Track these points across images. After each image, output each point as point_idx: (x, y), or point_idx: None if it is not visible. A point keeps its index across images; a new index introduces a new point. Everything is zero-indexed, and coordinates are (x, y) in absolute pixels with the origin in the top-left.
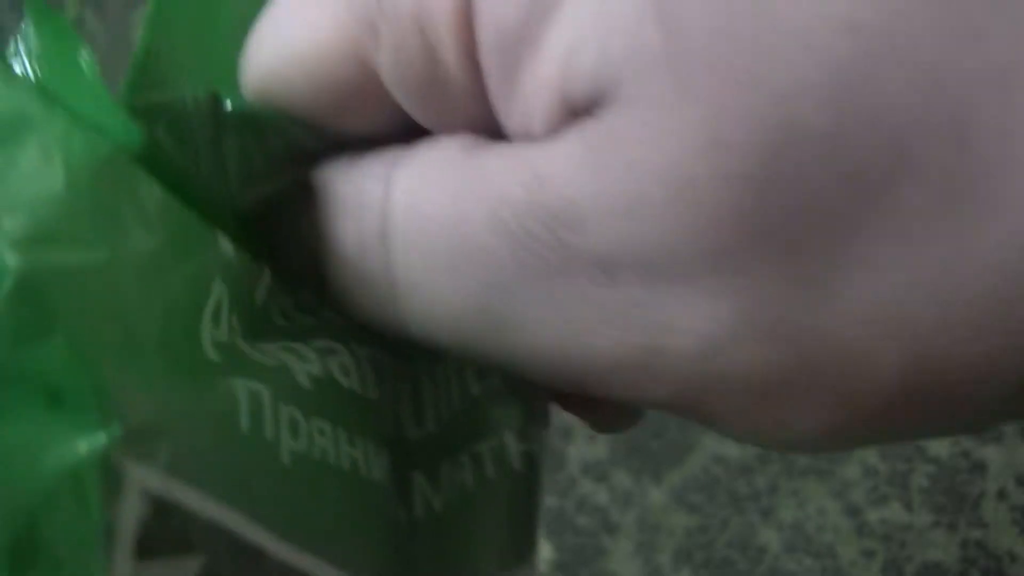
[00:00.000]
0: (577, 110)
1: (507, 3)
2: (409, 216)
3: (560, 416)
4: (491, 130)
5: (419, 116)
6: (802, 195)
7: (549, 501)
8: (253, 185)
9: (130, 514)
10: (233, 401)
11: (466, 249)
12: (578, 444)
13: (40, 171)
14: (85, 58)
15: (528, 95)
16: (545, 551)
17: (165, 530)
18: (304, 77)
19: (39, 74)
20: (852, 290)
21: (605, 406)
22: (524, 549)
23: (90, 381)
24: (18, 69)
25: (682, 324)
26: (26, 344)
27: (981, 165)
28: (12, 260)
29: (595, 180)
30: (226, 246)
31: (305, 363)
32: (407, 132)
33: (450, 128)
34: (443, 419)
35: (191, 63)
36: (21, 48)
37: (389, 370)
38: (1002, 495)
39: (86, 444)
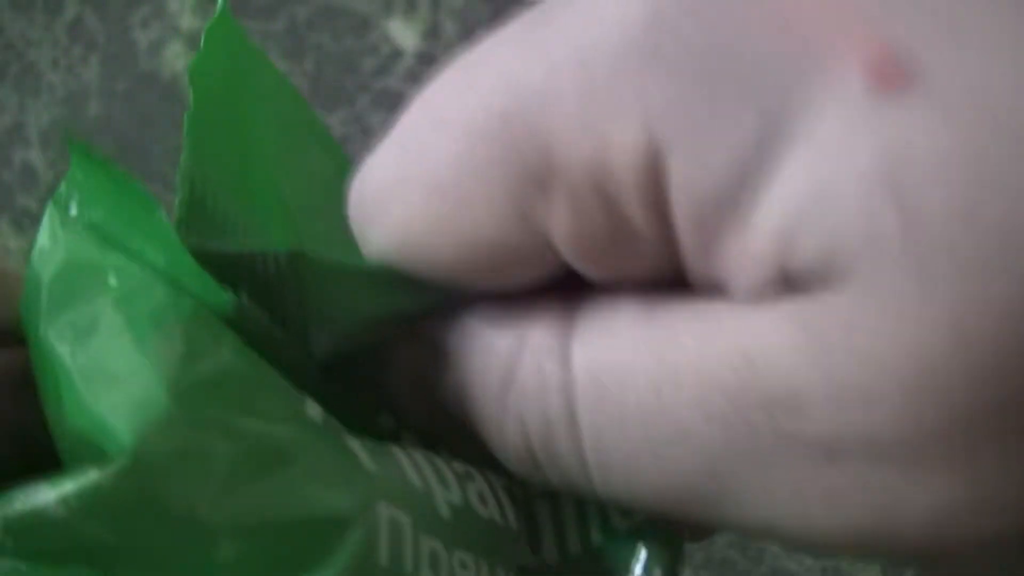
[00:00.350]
0: (792, 285)
1: (705, 172)
2: (600, 399)
3: None
4: (670, 276)
5: (590, 270)
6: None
7: None
8: (341, 343)
9: None
10: (374, 531)
11: (670, 434)
12: None
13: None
14: (162, 219)
15: (731, 260)
16: None
17: None
18: (454, 240)
19: (108, 230)
20: None
21: None
22: None
23: None
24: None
25: (912, 498)
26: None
27: None
28: (128, 439)
29: (818, 367)
30: (313, 411)
31: (446, 489)
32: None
33: (622, 277)
34: (567, 551)
35: (235, 205)
36: (73, 198)
37: (519, 496)
38: None
39: None
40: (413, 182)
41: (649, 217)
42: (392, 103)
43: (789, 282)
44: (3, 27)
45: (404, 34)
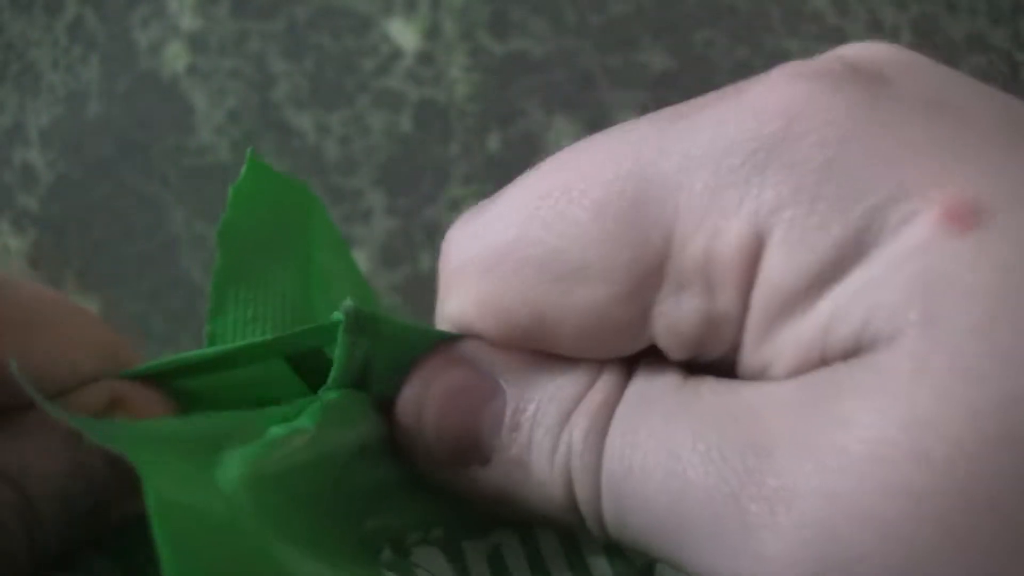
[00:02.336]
0: (828, 362)
1: (791, 265)
2: (623, 480)
3: None
4: (728, 362)
5: (673, 348)
6: (1013, 498)
7: None
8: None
9: None
10: None
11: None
12: None
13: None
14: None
15: (781, 344)
16: None
17: None
18: (567, 311)
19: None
20: None
21: None
22: None
23: None
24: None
25: None
26: None
27: None
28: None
29: (796, 421)
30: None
31: None
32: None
33: (696, 357)
34: None
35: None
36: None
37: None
38: None
39: None
40: (535, 247)
41: (737, 301)
42: (392, 103)
43: (824, 363)
44: (3, 27)
45: (404, 34)
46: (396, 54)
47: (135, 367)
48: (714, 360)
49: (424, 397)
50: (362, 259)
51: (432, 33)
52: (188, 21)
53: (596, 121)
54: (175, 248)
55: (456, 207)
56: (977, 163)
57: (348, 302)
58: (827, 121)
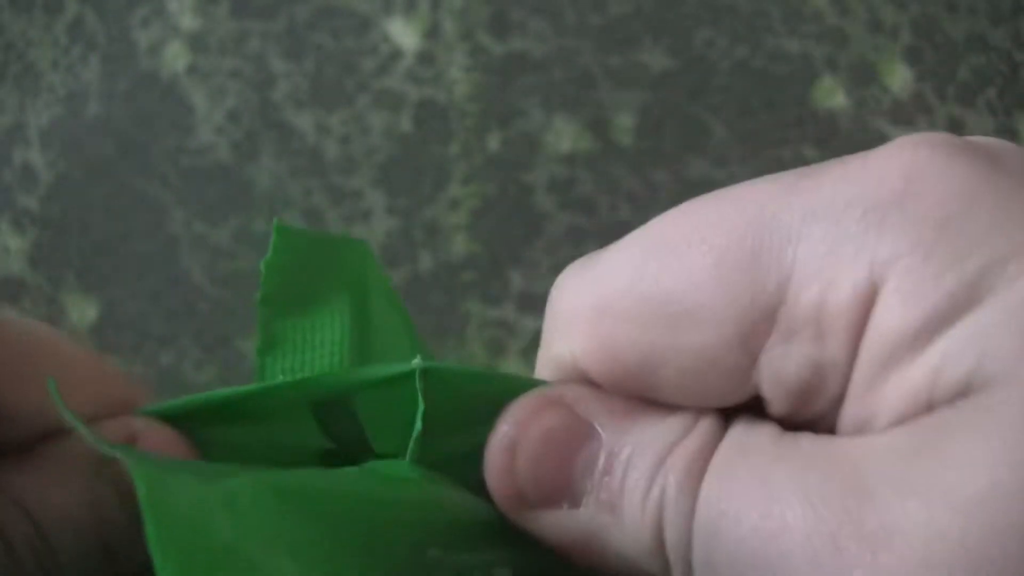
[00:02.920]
0: (935, 408)
1: (907, 315)
2: (713, 535)
3: None
4: (828, 422)
5: (778, 400)
6: None
7: None
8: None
9: None
10: None
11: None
12: None
13: None
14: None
15: (887, 392)
16: None
17: None
18: (674, 356)
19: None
20: None
21: None
22: None
23: None
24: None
25: None
26: None
27: None
28: None
29: (910, 469)
30: None
31: None
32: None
33: (797, 414)
34: None
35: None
36: None
37: None
38: None
39: None
40: (651, 289)
41: (847, 347)
42: (392, 103)
43: (930, 409)
44: (3, 27)
45: (404, 34)
46: (396, 54)
47: (148, 406)
48: (816, 417)
49: (520, 437)
50: None
51: (432, 33)
52: (188, 21)
53: (596, 121)
54: (175, 248)
55: (456, 207)
56: None
57: (418, 360)
58: (946, 182)
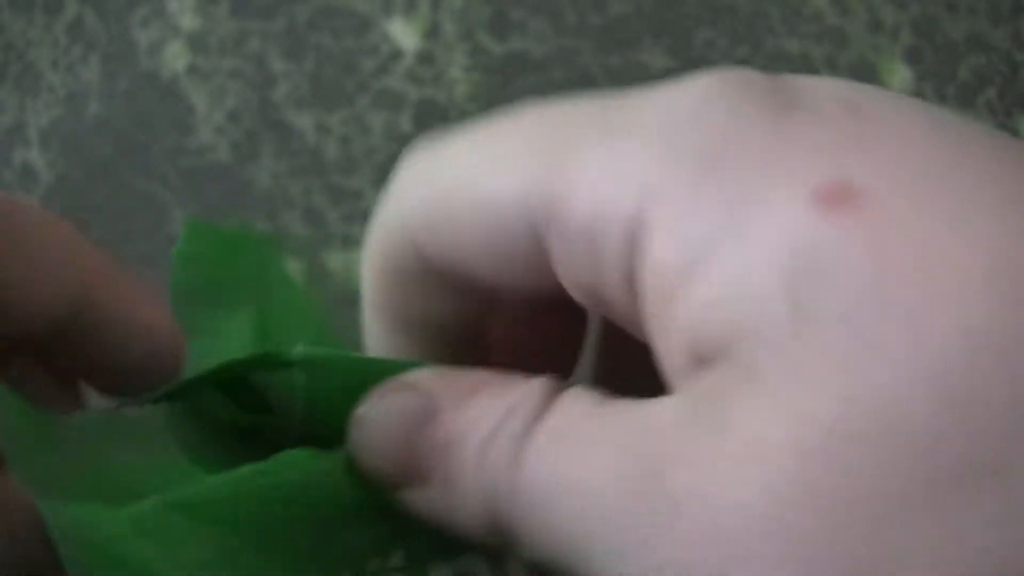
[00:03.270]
0: (702, 361)
1: (667, 246)
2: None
3: None
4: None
5: (583, 300)
6: (889, 484)
7: None
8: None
9: None
10: None
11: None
12: None
13: None
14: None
15: (671, 334)
16: None
17: None
18: (475, 221)
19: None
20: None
21: None
22: None
23: None
24: None
25: None
26: None
27: None
28: None
29: (692, 436)
30: None
31: None
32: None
33: (598, 309)
34: None
35: None
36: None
37: None
38: None
39: None
40: (466, 177)
41: (623, 284)
42: (392, 103)
43: (700, 364)
44: (3, 27)
45: (404, 34)
46: (396, 54)
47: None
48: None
49: (370, 419)
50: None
51: (432, 33)
52: (188, 21)
53: None
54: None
55: None
56: (864, 153)
57: (299, 348)
58: (727, 117)
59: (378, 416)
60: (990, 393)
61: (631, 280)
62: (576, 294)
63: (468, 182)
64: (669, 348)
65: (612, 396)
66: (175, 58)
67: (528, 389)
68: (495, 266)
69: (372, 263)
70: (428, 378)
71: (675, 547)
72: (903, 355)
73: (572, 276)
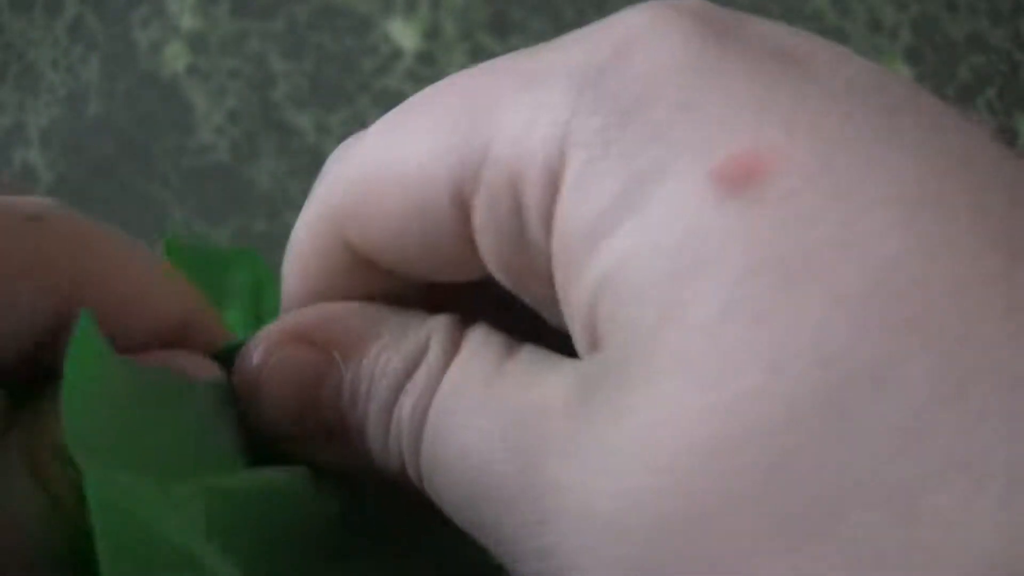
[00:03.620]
0: (594, 342)
1: (576, 213)
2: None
3: None
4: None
5: (496, 269)
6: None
7: None
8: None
9: None
10: None
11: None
12: None
13: None
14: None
15: (572, 307)
16: None
17: None
18: (400, 195)
19: None
20: None
21: None
22: None
23: None
24: None
25: None
26: None
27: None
28: None
29: (573, 420)
30: None
31: None
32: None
33: (523, 290)
34: None
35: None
36: None
37: None
38: None
39: None
40: (379, 142)
41: (543, 236)
42: (392, 103)
43: (593, 344)
44: (3, 27)
45: (404, 34)
46: (396, 54)
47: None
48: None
49: (264, 374)
50: None
51: (432, 33)
52: (188, 21)
53: None
54: None
55: None
56: (787, 115)
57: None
58: (654, 55)
59: (272, 373)
60: (839, 436)
61: (548, 232)
62: (499, 271)
63: (392, 158)
64: (572, 318)
65: (517, 344)
66: (175, 58)
67: (426, 337)
68: (423, 250)
69: (294, 266)
70: (320, 322)
71: (554, 535)
72: (763, 372)
73: (495, 245)
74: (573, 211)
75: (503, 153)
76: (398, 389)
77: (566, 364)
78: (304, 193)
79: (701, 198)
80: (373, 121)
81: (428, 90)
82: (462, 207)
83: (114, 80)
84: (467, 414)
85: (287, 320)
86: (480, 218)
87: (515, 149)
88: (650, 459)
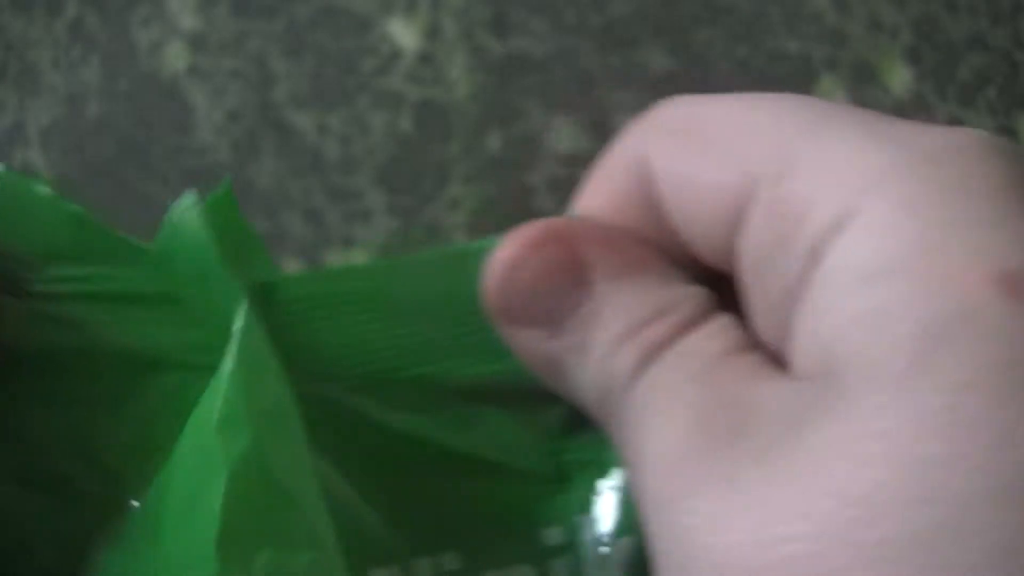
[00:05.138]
0: (827, 371)
1: (855, 249)
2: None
3: None
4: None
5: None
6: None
7: None
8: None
9: None
10: None
11: None
12: None
13: None
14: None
15: (808, 333)
16: None
17: None
18: (703, 178)
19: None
20: None
21: None
22: None
23: None
24: None
25: None
26: None
27: None
28: None
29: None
30: None
31: None
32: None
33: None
34: None
35: None
36: None
37: None
38: None
39: None
40: (715, 131)
41: (803, 263)
42: (392, 103)
43: (824, 371)
44: (3, 27)
45: (404, 34)
46: (396, 54)
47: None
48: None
49: (521, 262)
50: (362, 259)
51: (432, 33)
52: (188, 21)
53: (596, 121)
54: None
55: (456, 207)
56: (1007, 236)
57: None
58: (970, 162)
59: (532, 263)
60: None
61: (816, 256)
62: (739, 266)
63: (711, 137)
64: (802, 341)
65: (752, 344)
66: (175, 58)
67: (682, 299)
68: (687, 219)
69: (598, 183)
70: (586, 235)
71: (722, 552)
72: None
73: (754, 246)
74: (856, 247)
75: (797, 184)
76: (631, 333)
77: (784, 379)
78: (304, 193)
79: (982, 290)
80: (373, 121)
81: (771, 97)
82: (739, 212)
83: (114, 80)
84: (682, 388)
85: (552, 220)
86: (750, 223)
87: (809, 187)
88: (837, 489)
